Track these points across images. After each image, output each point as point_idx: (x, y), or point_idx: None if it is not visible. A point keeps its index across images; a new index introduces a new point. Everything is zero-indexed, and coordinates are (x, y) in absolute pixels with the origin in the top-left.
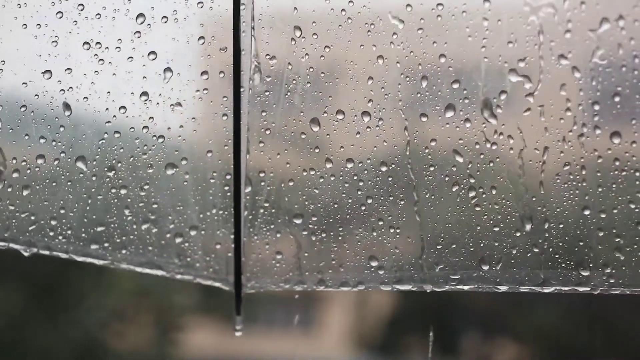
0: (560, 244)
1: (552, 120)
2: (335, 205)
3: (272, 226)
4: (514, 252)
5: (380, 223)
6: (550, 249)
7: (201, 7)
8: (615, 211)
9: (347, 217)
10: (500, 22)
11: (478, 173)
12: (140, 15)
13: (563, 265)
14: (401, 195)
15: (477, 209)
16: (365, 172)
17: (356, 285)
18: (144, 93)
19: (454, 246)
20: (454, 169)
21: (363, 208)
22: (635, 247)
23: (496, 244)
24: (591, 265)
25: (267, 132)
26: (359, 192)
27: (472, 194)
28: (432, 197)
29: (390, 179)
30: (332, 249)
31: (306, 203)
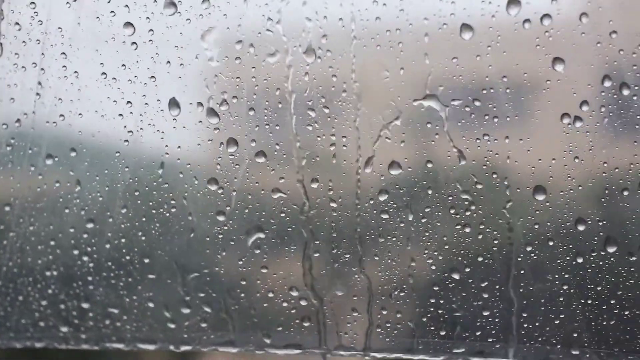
0: None
1: None
2: (79, 263)
3: (13, 284)
4: None
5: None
6: None
7: None
8: None
9: (88, 271)
10: None
11: None
12: None
13: None
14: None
15: None
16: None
17: (97, 342)
18: None
19: None
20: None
21: (109, 263)
22: None
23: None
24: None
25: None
26: (106, 246)
27: None
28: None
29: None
30: (73, 305)
31: (48, 261)
